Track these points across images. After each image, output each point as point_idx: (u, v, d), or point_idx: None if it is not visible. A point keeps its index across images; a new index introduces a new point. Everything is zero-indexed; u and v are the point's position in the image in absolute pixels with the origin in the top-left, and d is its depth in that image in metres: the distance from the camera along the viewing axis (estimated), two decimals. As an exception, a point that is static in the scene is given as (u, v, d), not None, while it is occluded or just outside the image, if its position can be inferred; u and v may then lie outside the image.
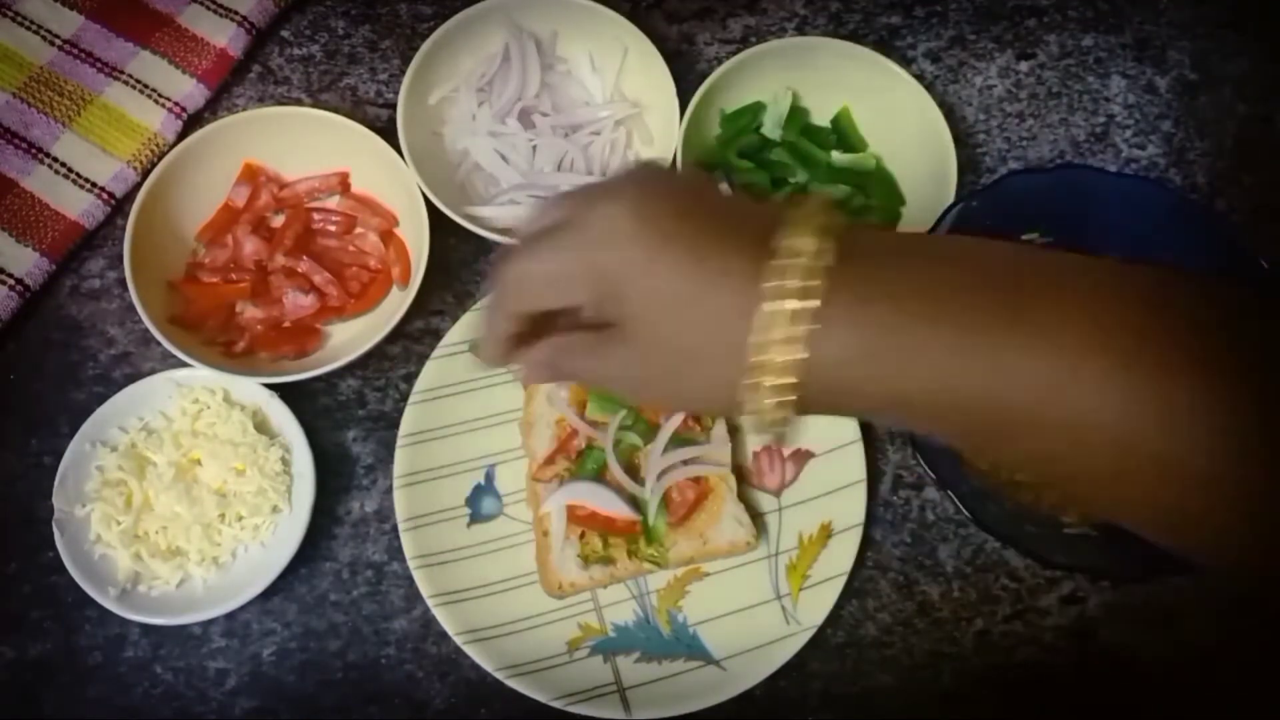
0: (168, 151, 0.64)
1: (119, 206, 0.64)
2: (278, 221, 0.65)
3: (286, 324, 0.63)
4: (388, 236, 0.65)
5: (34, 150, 0.66)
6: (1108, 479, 0.33)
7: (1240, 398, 0.31)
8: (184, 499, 0.58)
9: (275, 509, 0.59)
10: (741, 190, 0.40)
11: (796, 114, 0.67)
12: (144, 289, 0.59)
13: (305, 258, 0.63)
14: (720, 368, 0.35)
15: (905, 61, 0.71)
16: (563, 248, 0.37)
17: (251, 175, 0.65)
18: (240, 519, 0.58)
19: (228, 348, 0.62)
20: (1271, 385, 0.31)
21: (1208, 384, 0.31)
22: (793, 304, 0.33)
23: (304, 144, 0.64)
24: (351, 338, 0.63)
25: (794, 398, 0.35)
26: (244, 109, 0.69)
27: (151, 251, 0.61)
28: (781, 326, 0.34)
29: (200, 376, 0.60)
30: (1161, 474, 0.32)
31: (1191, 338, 0.32)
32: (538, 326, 0.40)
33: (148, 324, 0.58)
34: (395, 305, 0.61)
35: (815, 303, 0.33)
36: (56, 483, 0.57)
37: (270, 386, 0.60)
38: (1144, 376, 0.31)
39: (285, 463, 0.59)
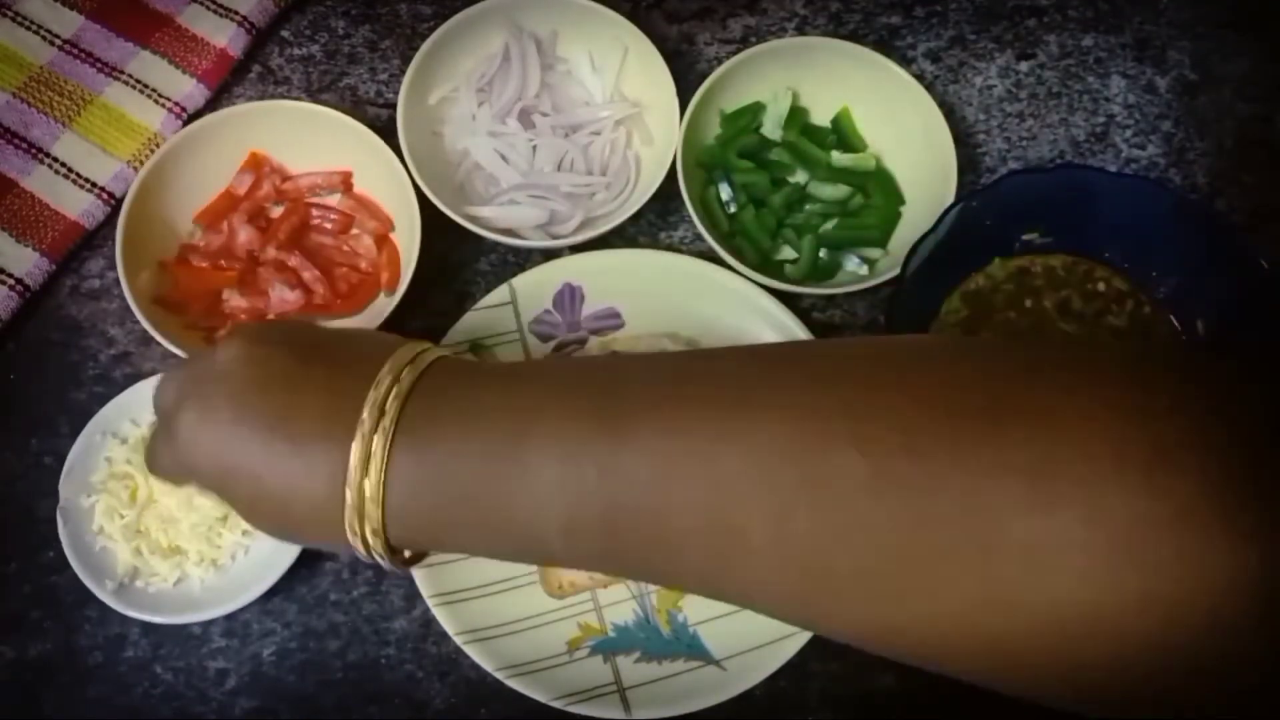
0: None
1: (119, 206, 0.64)
2: (276, 213, 0.66)
3: (270, 316, 0.63)
4: (382, 240, 0.65)
5: (34, 150, 0.66)
6: (654, 558, 0.35)
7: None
8: (187, 500, 0.58)
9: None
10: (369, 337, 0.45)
11: (796, 114, 0.67)
12: (132, 264, 0.59)
13: (297, 253, 0.63)
14: (328, 529, 0.38)
15: (905, 61, 0.71)
16: (163, 465, 0.43)
17: (256, 165, 0.65)
18: (242, 524, 0.58)
19: (209, 333, 0.62)
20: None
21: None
22: (361, 462, 0.36)
23: (310, 140, 0.64)
24: None
25: (381, 540, 0.37)
26: (244, 109, 0.69)
27: (147, 228, 0.61)
28: (355, 483, 0.36)
29: None
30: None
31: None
32: None
33: (129, 298, 0.58)
34: (380, 309, 0.61)
35: (380, 456, 0.36)
36: (64, 471, 0.57)
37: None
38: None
39: None
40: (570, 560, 0.37)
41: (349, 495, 0.36)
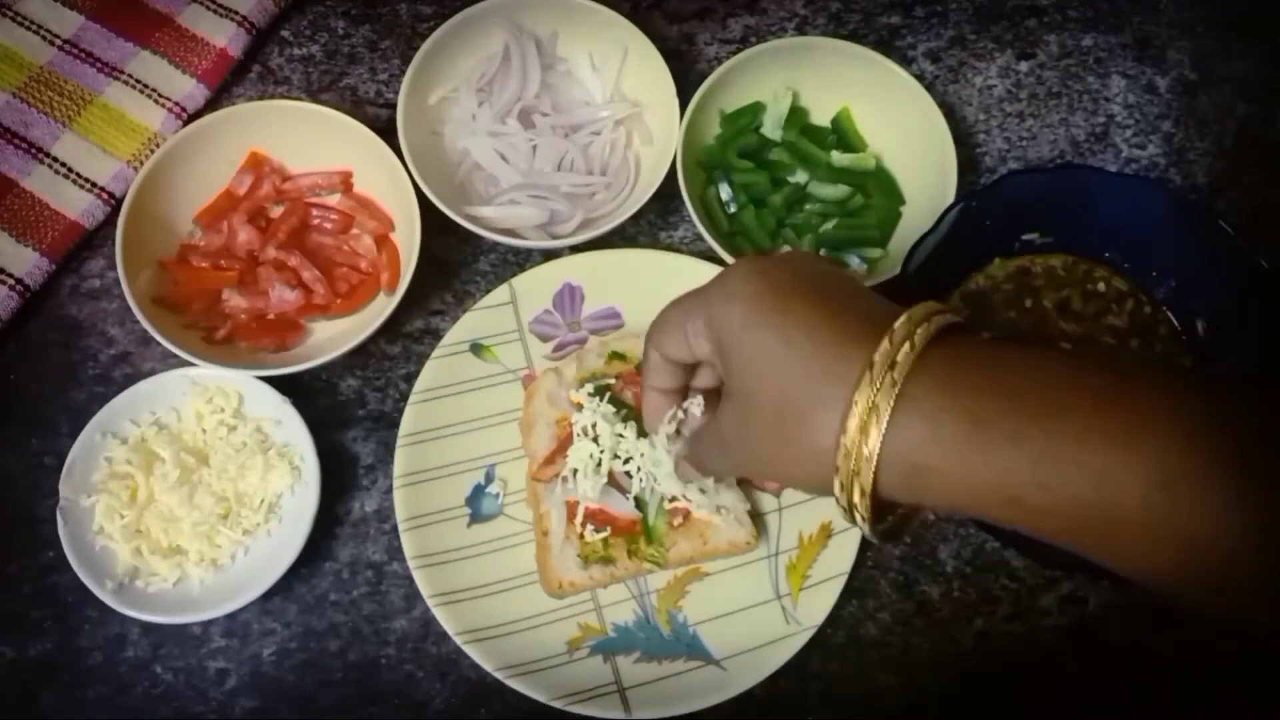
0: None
1: (119, 206, 0.64)
2: (276, 213, 0.66)
3: (270, 316, 0.63)
4: (382, 240, 0.65)
5: (34, 150, 0.66)
6: (1220, 581, 0.34)
7: None
8: (188, 499, 0.58)
9: (278, 516, 0.59)
10: (862, 288, 0.44)
11: (796, 114, 0.67)
12: (132, 264, 0.59)
13: (297, 253, 0.63)
14: (814, 432, 0.38)
15: (905, 61, 0.71)
16: (683, 304, 0.43)
17: (256, 164, 0.65)
18: (242, 523, 0.58)
19: (209, 333, 0.62)
20: None
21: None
22: (880, 383, 0.36)
23: (310, 140, 0.65)
24: (333, 336, 0.63)
25: (871, 472, 0.36)
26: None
27: (147, 228, 0.62)
28: (864, 410, 0.36)
29: (216, 376, 0.60)
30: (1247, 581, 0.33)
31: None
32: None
33: (129, 298, 0.58)
34: (380, 309, 0.61)
35: (898, 383, 0.35)
36: (64, 471, 0.57)
37: (264, 380, 0.60)
38: (1253, 480, 0.33)
39: (293, 470, 0.59)
40: (1034, 529, 0.36)
41: (847, 435, 0.36)
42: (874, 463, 0.36)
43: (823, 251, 0.65)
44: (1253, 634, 0.35)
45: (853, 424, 0.36)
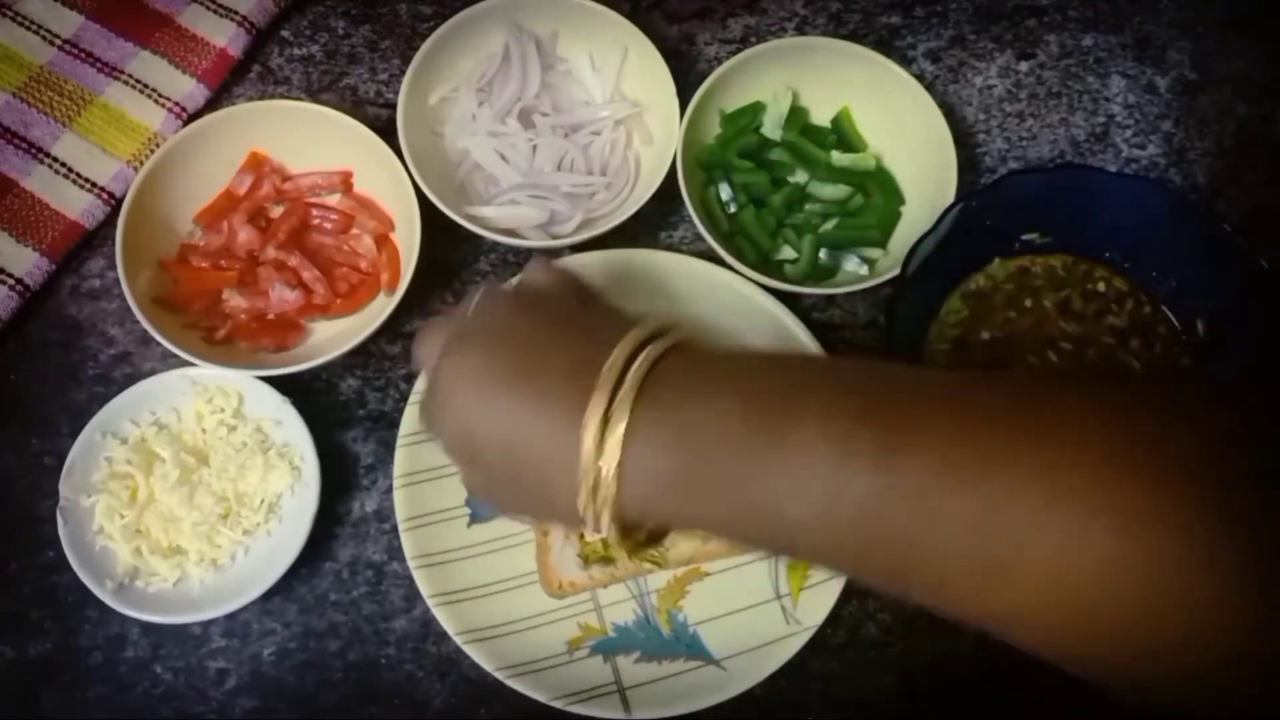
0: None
1: (119, 206, 0.64)
2: (276, 213, 0.66)
3: (270, 316, 0.63)
4: (382, 240, 0.65)
5: (34, 150, 0.66)
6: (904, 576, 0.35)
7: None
8: (187, 499, 0.58)
9: (278, 516, 0.59)
10: (597, 302, 0.45)
11: (796, 114, 0.67)
12: (132, 264, 0.59)
13: (297, 253, 0.63)
14: (554, 495, 0.38)
15: (905, 61, 0.71)
16: (425, 411, 0.43)
17: (256, 164, 0.65)
18: (242, 523, 0.58)
19: (209, 333, 0.62)
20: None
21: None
22: (601, 426, 0.36)
23: (310, 140, 0.64)
24: (333, 336, 0.63)
25: (615, 513, 0.37)
26: (244, 109, 0.69)
27: (147, 228, 0.61)
28: (593, 446, 0.36)
29: (216, 376, 0.60)
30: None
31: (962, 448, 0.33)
32: None
33: (129, 298, 0.58)
34: (380, 309, 0.61)
35: (623, 424, 0.36)
36: (64, 471, 0.57)
37: (264, 380, 0.60)
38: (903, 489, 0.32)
39: (293, 471, 0.59)
40: (808, 550, 0.37)
41: (585, 458, 0.36)
42: (613, 517, 0.37)
43: (822, 252, 0.65)
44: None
45: (584, 485, 0.37)
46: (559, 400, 0.38)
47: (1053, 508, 0.30)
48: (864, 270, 0.64)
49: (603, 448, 0.36)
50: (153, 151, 0.65)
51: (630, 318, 0.41)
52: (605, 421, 0.36)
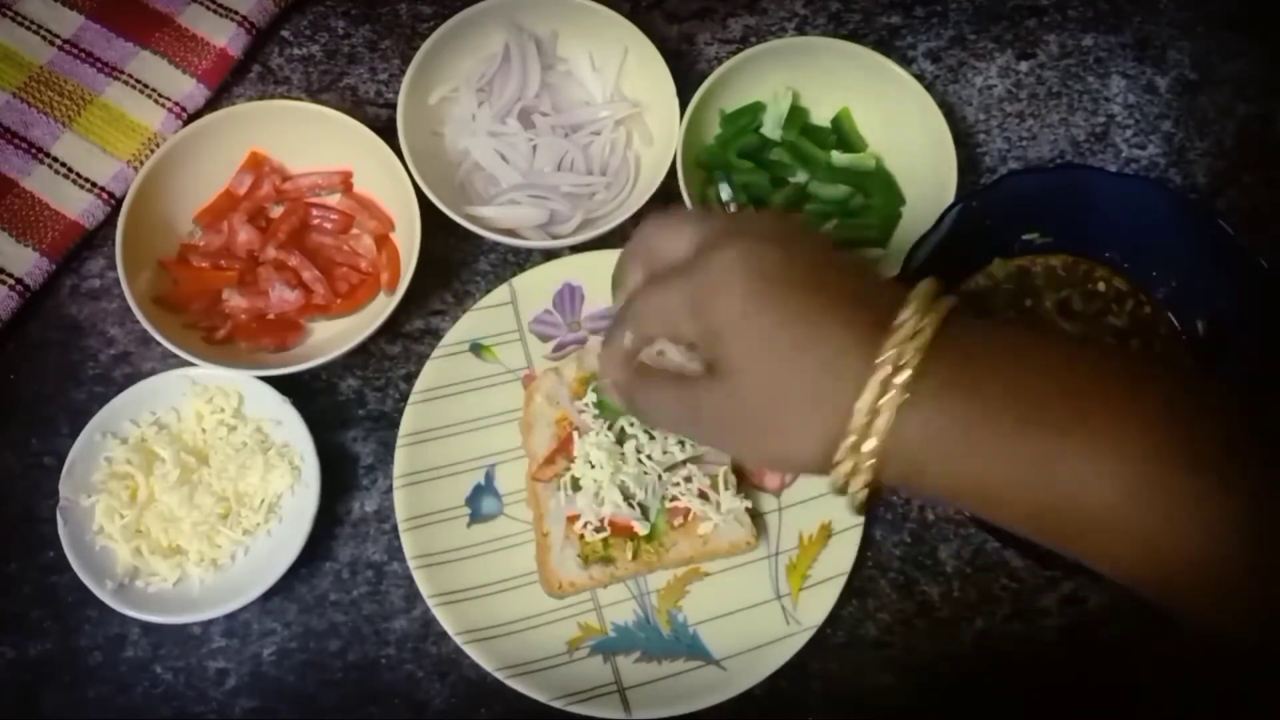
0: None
1: (119, 206, 0.64)
2: (276, 213, 0.66)
3: (270, 316, 0.63)
4: (382, 240, 0.65)
5: (34, 150, 0.66)
6: (1181, 583, 0.35)
7: None
8: (188, 499, 0.58)
9: (278, 516, 0.59)
10: (860, 263, 0.42)
11: (796, 114, 0.67)
12: (132, 264, 0.59)
13: (297, 253, 0.63)
14: (809, 424, 0.37)
15: (905, 61, 0.71)
16: (675, 289, 0.40)
17: (256, 164, 0.65)
18: (242, 523, 0.58)
19: (209, 333, 0.62)
20: None
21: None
22: (887, 377, 0.35)
23: (310, 140, 0.64)
24: (333, 336, 0.63)
25: (874, 464, 0.36)
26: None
27: (147, 228, 0.61)
28: (874, 395, 0.35)
29: (215, 376, 0.60)
30: (1244, 579, 0.33)
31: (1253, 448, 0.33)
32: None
33: (129, 298, 0.58)
34: (380, 309, 0.61)
35: (906, 376, 0.35)
36: (64, 471, 0.57)
37: (264, 380, 0.60)
38: (1219, 486, 0.33)
39: (293, 471, 0.59)
40: (1096, 543, 0.36)
41: (870, 387, 0.35)
42: (875, 460, 0.36)
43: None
44: (1241, 644, 0.36)
45: (858, 419, 0.35)
46: (855, 318, 0.36)
47: None
48: (864, 270, 0.64)
49: (895, 377, 0.35)
50: (153, 151, 0.65)
51: (893, 283, 0.40)
52: (903, 348, 0.35)
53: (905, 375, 0.35)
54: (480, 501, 0.60)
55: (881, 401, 0.35)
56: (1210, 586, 0.34)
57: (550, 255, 0.65)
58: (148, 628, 0.58)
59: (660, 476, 0.57)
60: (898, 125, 0.66)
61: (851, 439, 0.36)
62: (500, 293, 0.63)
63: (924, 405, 0.35)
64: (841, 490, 0.37)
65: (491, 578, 0.58)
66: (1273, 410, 0.34)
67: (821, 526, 0.60)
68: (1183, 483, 0.33)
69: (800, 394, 0.37)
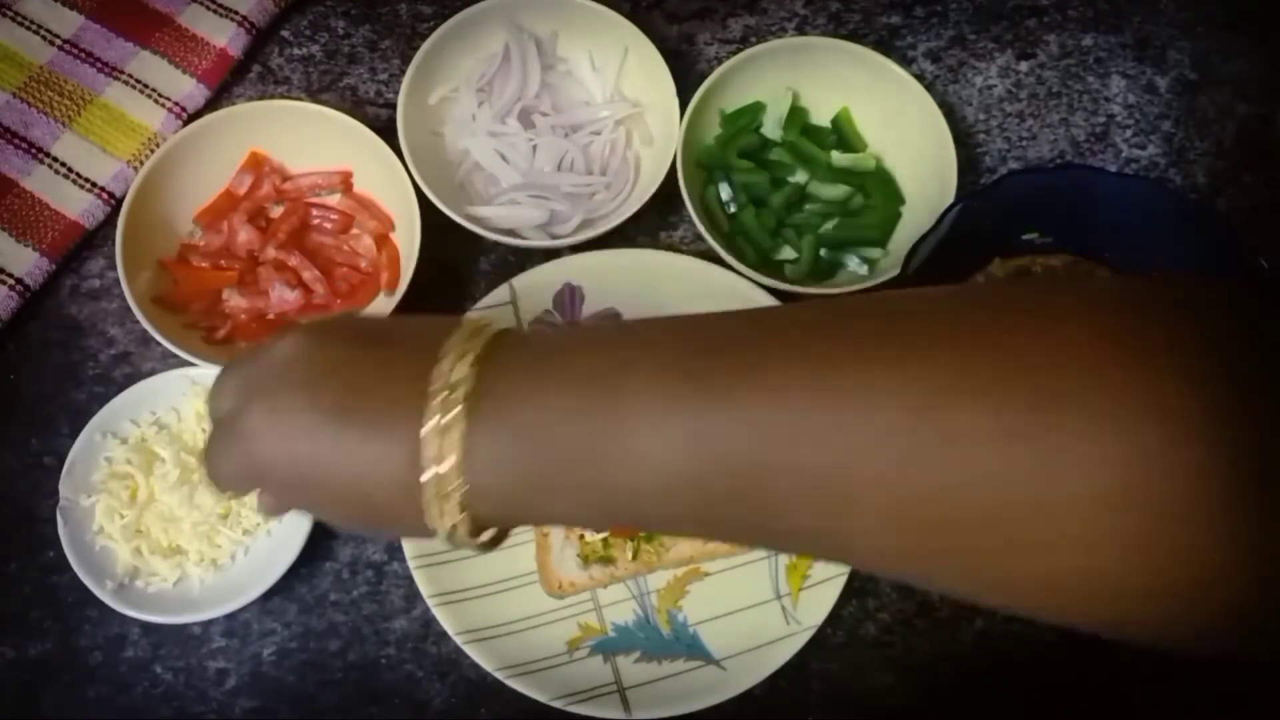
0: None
1: (119, 206, 0.64)
2: (276, 213, 0.66)
3: (270, 316, 0.63)
4: (382, 240, 0.65)
5: (34, 150, 0.66)
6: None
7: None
8: (188, 499, 0.58)
9: (278, 516, 0.59)
10: (404, 322, 0.41)
11: (796, 114, 0.67)
12: (132, 264, 0.59)
13: (297, 253, 0.63)
14: (401, 511, 0.36)
15: (905, 61, 0.71)
16: (227, 471, 0.39)
17: (256, 164, 0.65)
18: (242, 523, 0.58)
19: (209, 333, 0.62)
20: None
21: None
22: (437, 447, 0.34)
23: (310, 140, 0.64)
24: None
25: (465, 520, 0.35)
26: (244, 109, 0.69)
27: (147, 228, 0.61)
28: (434, 454, 0.34)
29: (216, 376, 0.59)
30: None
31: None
32: None
33: (129, 298, 0.58)
34: (380, 309, 0.61)
35: (459, 426, 0.33)
36: (64, 471, 0.57)
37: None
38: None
39: None
40: (662, 523, 0.36)
41: (428, 474, 0.34)
42: (463, 519, 0.35)
43: (823, 252, 0.65)
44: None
45: (427, 496, 0.35)
46: (391, 431, 0.35)
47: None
48: (864, 270, 0.64)
49: (442, 454, 0.34)
50: (153, 151, 0.65)
51: (441, 321, 0.38)
52: (443, 431, 0.34)
53: (456, 432, 0.34)
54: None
55: (440, 468, 0.34)
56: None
57: (550, 255, 0.65)
58: (148, 628, 0.58)
59: None
60: (898, 125, 0.66)
61: (431, 509, 0.35)
62: (500, 293, 0.63)
63: (486, 448, 0.34)
64: (460, 545, 0.37)
65: (491, 578, 0.58)
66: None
67: (821, 526, 0.60)
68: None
69: (362, 489, 0.36)
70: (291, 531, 0.58)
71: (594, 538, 0.57)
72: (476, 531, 0.36)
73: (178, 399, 0.60)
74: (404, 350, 0.37)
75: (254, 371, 0.39)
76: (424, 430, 0.34)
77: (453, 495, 0.34)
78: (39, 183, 0.65)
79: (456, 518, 0.35)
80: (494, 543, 0.38)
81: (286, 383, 0.37)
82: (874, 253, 0.65)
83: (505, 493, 0.35)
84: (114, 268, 0.59)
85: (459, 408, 0.34)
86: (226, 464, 0.39)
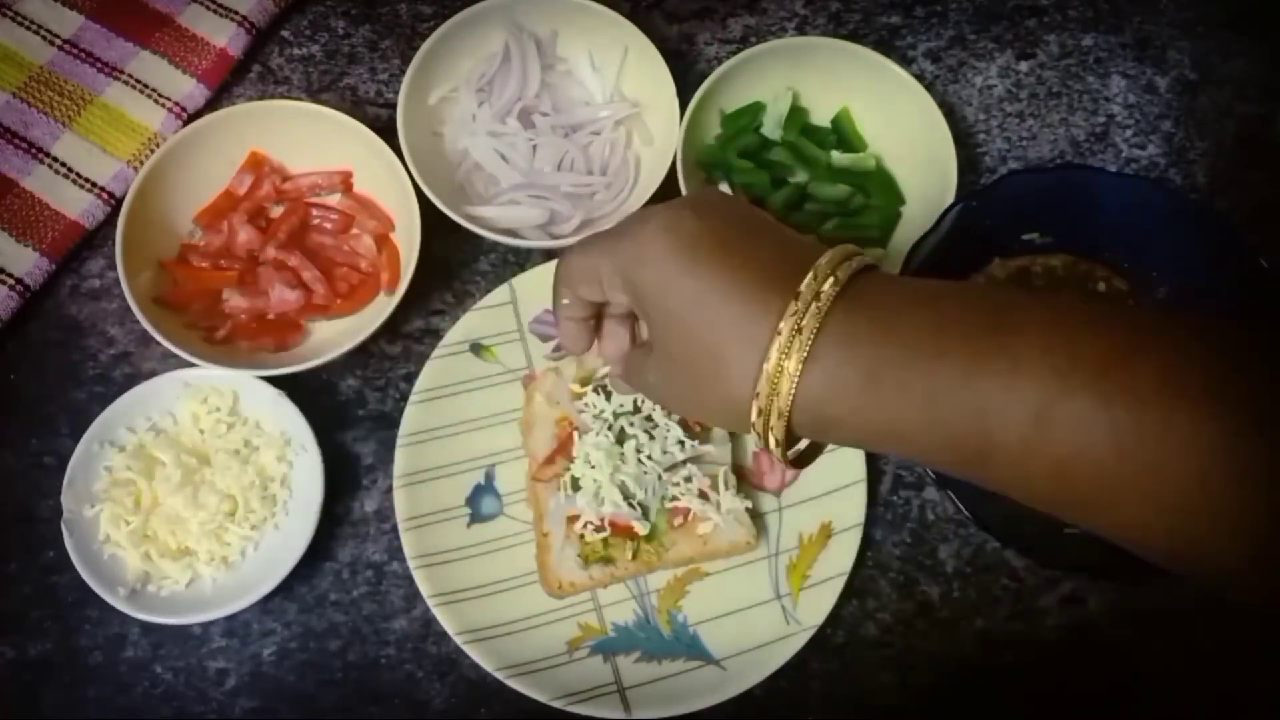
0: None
1: (119, 206, 0.64)
2: (276, 213, 0.66)
3: (270, 316, 0.63)
4: (382, 240, 0.65)
5: (34, 150, 0.66)
6: (1095, 506, 0.35)
7: (1238, 427, 0.32)
8: (192, 499, 0.58)
9: (284, 508, 0.59)
10: (780, 224, 0.44)
11: (796, 114, 0.67)
12: (132, 264, 0.59)
13: (297, 253, 0.63)
14: (723, 386, 0.39)
15: (905, 61, 0.71)
16: (596, 251, 0.43)
17: (256, 164, 0.65)
18: (250, 518, 0.58)
19: (209, 333, 0.62)
20: (1267, 414, 0.32)
21: (1205, 413, 0.32)
22: (787, 341, 0.37)
23: (310, 140, 0.64)
24: (333, 336, 0.63)
25: (784, 421, 0.38)
26: (244, 109, 0.69)
27: (147, 228, 0.61)
28: (777, 358, 0.37)
29: (209, 377, 0.59)
30: (1152, 500, 0.33)
31: (1187, 371, 0.33)
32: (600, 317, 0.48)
33: (129, 298, 0.58)
34: (380, 309, 0.61)
35: (807, 338, 0.37)
36: (65, 483, 0.57)
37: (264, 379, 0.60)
38: (1129, 408, 0.33)
39: (294, 463, 0.59)
40: (1001, 465, 0.36)
41: (771, 359, 0.37)
42: (785, 417, 0.38)
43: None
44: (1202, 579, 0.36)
45: (764, 380, 0.38)
46: (763, 282, 0.38)
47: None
48: (864, 270, 0.64)
49: (796, 339, 0.37)
50: (153, 151, 0.65)
51: (812, 242, 0.42)
52: (805, 310, 0.37)
53: (806, 337, 0.37)
54: (480, 501, 0.60)
55: (785, 363, 0.37)
56: (1133, 521, 0.34)
57: (550, 255, 0.65)
58: (148, 627, 0.58)
59: (660, 476, 0.58)
60: (898, 125, 0.66)
61: (760, 400, 0.38)
62: (500, 293, 0.63)
63: (826, 362, 0.37)
64: (765, 445, 0.40)
65: (491, 578, 0.58)
66: (1196, 344, 0.34)
67: (821, 526, 0.60)
68: (1093, 409, 0.33)
69: (713, 358, 0.39)
70: (299, 522, 0.58)
71: (594, 538, 0.57)
72: (788, 441, 0.39)
73: (173, 403, 0.60)
74: (787, 237, 0.41)
75: (663, 205, 0.42)
76: (788, 305, 0.37)
77: (787, 378, 0.37)
78: (39, 183, 0.65)
79: (780, 403, 0.38)
80: (799, 460, 0.42)
81: (690, 216, 0.41)
82: (874, 252, 0.65)
83: (842, 389, 0.37)
84: (114, 268, 0.59)
85: (828, 295, 0.37)
86: (601, 259, 0.43)
